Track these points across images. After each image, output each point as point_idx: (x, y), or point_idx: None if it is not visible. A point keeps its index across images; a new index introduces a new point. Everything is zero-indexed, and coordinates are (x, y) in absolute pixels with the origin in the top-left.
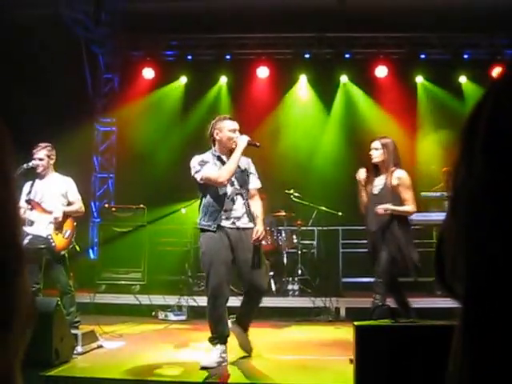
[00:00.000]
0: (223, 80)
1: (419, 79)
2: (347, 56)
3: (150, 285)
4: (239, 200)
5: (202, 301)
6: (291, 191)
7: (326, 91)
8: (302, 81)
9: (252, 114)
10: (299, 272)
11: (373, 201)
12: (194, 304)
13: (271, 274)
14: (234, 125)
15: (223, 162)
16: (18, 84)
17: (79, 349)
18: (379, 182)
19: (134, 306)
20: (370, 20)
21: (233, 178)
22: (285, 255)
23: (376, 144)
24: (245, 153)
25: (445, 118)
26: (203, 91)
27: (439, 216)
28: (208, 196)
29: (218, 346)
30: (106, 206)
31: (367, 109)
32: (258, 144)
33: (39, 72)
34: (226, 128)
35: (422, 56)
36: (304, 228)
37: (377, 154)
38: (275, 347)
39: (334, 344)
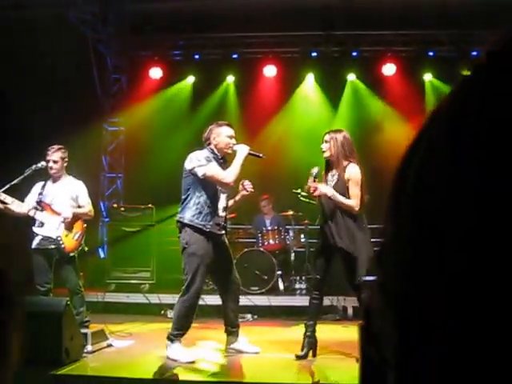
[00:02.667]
0: (230, 79)
1: (427, 77)
2: (354, 54)
3: (159, 284)
4: (225, 209)
5: (211, 299)
6: (299, 190)
7: (333, 89)
8: (309, 79)
9: (259, 112)
10: (307, 271)
11: (325, 197)
12: (202, 303)
13: (279, 273)
14: (232, 131)
15: (221, 165)
16: (26, 84)
17: (89, 348)
18: (331, 178)
19: (143, 304)
20: (378, 17)
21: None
22: (292, 254)
23: (325, 137)
24: (233, 157)
25: None
26: (210, 90)
27: None
28: (206, 195)
29: (178, 343)
30: (115, 205)
31: (375, 107)
32: (260, 155)
33: (47, 73)
34: (224, 134)
35: (430, 53)
36: (312, 227)
37: (325, 148)
38: (283, 346)
39: (341, 343)
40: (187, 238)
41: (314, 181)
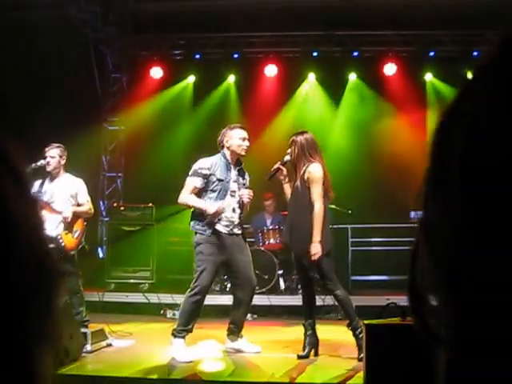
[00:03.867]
0: (231, 79)
1: (428, 77)
2: (355, 54)
3: (158, 283)
4: (238, 210)
5: (211, 299)
6: None
7: (334, 89)
8: (311, 79)
9: (260, 112)
10: None
11: (290, 198)
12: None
13: (280, 272)
14: (244, 133)
15: (229, 170)
16: (25, 84)
17: (88, 347)
18: (296, 181)
19: (142, 304)
20: (379, 17)
21: (236, 189)
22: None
23: (289, 141)
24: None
25: None
26: (211, 90)
27: None
28: (206, 200)
29: (182, 340)
30: (115, 204)
31: (376, 107)
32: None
33: (47, 72)
34: (236, 136)
35: (431, 53)
36: None
37: (288, 152)
38: (283, 345)
39: (343, 342)
40: (195, 239)
41: (283, 165)
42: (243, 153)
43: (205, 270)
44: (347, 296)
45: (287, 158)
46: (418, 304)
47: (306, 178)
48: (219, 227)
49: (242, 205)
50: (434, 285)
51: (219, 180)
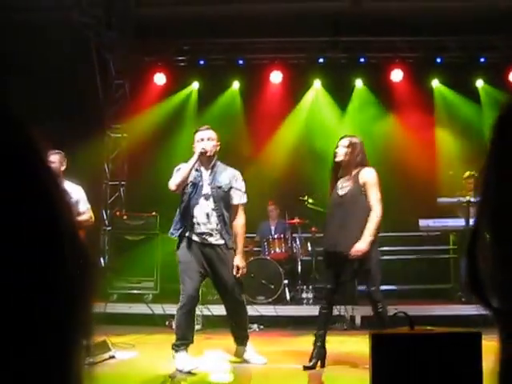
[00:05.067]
0: (236, 85)
1: (435, 83)
2: (362, 60)
3: (162, 294)
4: (214, 216)
5: (217, 310)
6: (305, 198)
7: (340, 96)
8: (316, 86)
9: (265, 119)
10: (314, 280)
11: (337, 202)
12: (208, 313)
13: (285, 282)
14: (201, 134)
15: (199, 172)
16: (26, 89)
17: (90, 359)
18: (343, 185)
19: (146, 315)
20: (385, 23)
21: (209, 193)
22: (299, 263)
23: (344, 142)
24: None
25: (462, 123)
26: (216, 97)
27: (456, 222)
28: (180, 205)
29: (183, 353)
30: (118, 213)
31: (382, 114)
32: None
33: (48, 78)
34: (195, 139)
35: (438, 60)
36: (319, 235)
37: (341, 153)
38: (289, 356)
39: (349, 353)
40: (176, 248)
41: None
42: (202, 151)
43: (185, 278)
44: (386, 311)
45: (340, 158)
46: (479, 283)
47: (361, 182)
48: (192, 236)
49: (219, 210)
50: (497, 265)
51: (191, 183)
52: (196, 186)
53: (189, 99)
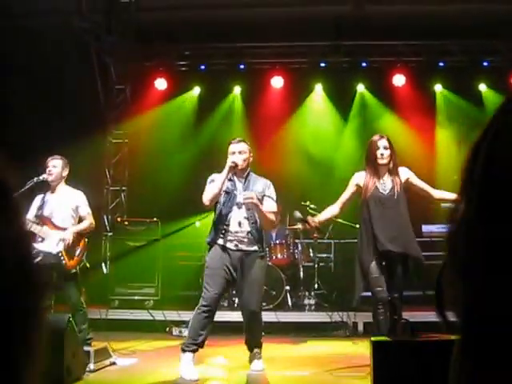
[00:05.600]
0: (237, 90)
1: (438, 87)
2: (364, 65)
3: (163, 300)
4: (246, 224)
5: (217, 316)
6: (307, 203)
7: (342, 101)
8: (318, 90)
9: (267, 124)
10: (316, 286)
11: (384, 202)
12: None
13: (287, 288)
14: (233, 147)
15: (234, 182)
16: (26, 94)
17: (91, 366)
18: (384, 185)
19: (147, 321)
20: (387, 28)
21: (242, 201)
22: (301, 269)
23: (385, 143)
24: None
25: (465, 127)
26: (217, 102)
27: None
28: (215, 214)
29: (189, 355)
30: (119, 219)
31: (385, 118)
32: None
33: (49, 83)
34: (228, 151)
35: (441, 64)
36: (320, 241)
37: (387, 154)
38: (292, 363)
39: (351, 360)
40: (207, 253)
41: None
42: (233, 164)
43: (209, 283)
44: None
45: (386, 161)
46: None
47: (404, 180)
48: (225, 243)
49: (253, 217)
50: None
51: (225, 192)
52: (229, 195)
53: (190, 104)
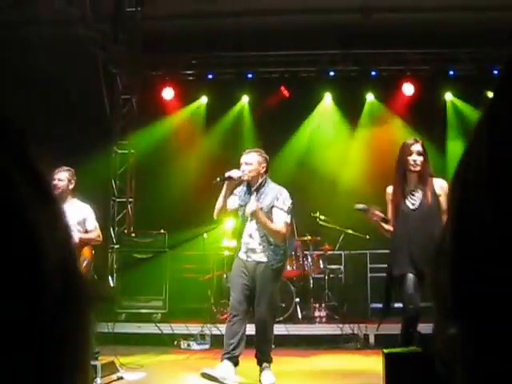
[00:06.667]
0: (245, 99)
1: (448, 96)
2: (373, 73)
3: (171, 313)
4: (256, 236)
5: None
6: (317, 214)
7: (351, 110)
8: (327, 99)
9: (275, 134)
10: (326, 298)
11: (416, 213)
12: (218, 332)
13: (297, 300)
14: (243, 158)
15: (248, 194)
16: (31, 105)
17: (98, 381)
18: (415, 196)
19: (155, 335)
20: (396, 36)
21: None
22: (311, 281)
23: (419, 147)
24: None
25: None
26: (224, 111)
27: None
28: (238, 229)
29: (226, 363)
30: (126, 231)
31: (394, 128)
32: (224, 177)
33: (54, 93)
34: (241, 162)
35: (451, 72)
36: (331, 252)
37: (420, 161)
38: (303, 376)
39: (362, 373)
40: None
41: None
42: (245, 178)
43: (231, 293)
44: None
45: (418, 168)
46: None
47: (438, 192)
48: (240, 254)
49: (262, 229)
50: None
51: (241, 206)
52: (243, 207)
53: (197, 114)
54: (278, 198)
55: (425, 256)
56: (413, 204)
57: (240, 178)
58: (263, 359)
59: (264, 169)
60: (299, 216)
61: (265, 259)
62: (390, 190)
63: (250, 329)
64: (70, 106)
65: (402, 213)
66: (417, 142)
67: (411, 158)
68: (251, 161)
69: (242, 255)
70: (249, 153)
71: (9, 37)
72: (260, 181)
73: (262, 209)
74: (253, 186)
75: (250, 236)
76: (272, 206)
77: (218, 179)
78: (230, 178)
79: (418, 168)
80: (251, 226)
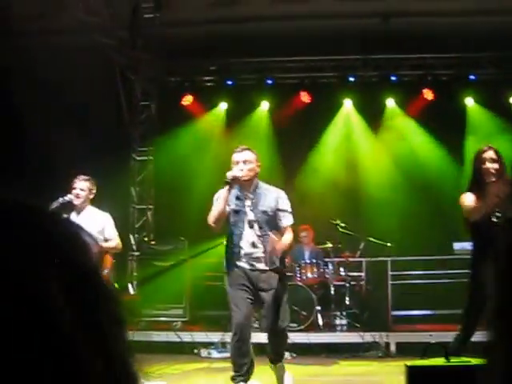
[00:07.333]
0: (265, 106)
1: (469, 101)
2: (393, 78)
3: (192, 321)
4: (260, 244)
5: None
6: (337, 221)
7: (372, 115)
8: (347, 105)
9: (296, 140)
10: (347, 305)
11: (492, 233)
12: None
13: (318, 308)
14: (237, 156)
15: (242, 198)
16: (50, 113)
17: None
18: (499, 209)
19: (175, 343)
20: (416, 40)
21: (253, 219)
22: (332, 288)
23: (492, 154)
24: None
25: (497, 142)
26: (244, 118)
27: None
28: (227, 236)
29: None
30: (145, 239)
31: (415, 133)
32: (228, 179)
33: (73, 100)
34: (232, 161)
35: (472, 77)
36: (352, 259)
37: (494, 168)
38: None
39: (383, 382)
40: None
41: None
42: (245, 178)
43: (233, 307)
44: None
45: (492, 178)
46: None
47: None
48: (240, 263)
49: (266, 236)
50: None
51: (234, 211)
52: (239, 213)
53: (217, 120)
54: (280, 200)
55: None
56: (492, 219)
57: (241, 178)
58: (280, 359)
59: (259, 168)
60: (319, 223)
61: (272, 266)
62: (466, 197)
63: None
64: (89, 113)
65: (487, 225)
66: (490, 148)
67: (485, 167)
68: (250, 159)
69: (243, 264)
70: (243, 150)
71: (30, 46)
72: (256, 182)
73: (264, 212)
74: (247, 188)
75: (253, 245)
76: (276, 209)
77: (226, 183)
78: (236, 179)
79: (493, 178)
80: (251, 235)
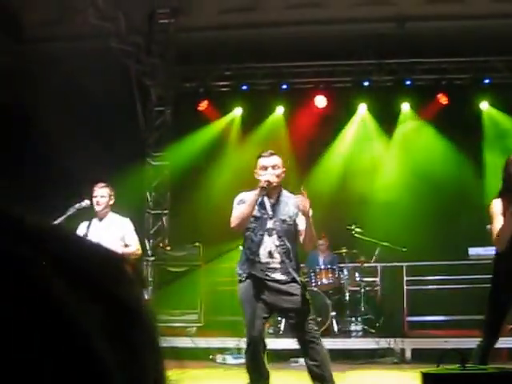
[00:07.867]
0: (280, 110)
1: (484, 106)
2: (408, 83)
3: (207, 327)
4: (277, 253)
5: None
6: (352, 227)
7: (386, 120)
8: (362, 110)
9: (311, 145)
10: (362, 311)
11: None
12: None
13: (333, 314)
14: (265, 161)
15: (264, 205)
16: (65, 119)
17: None
18: None
19: (189, 349)
20: (430, 45)
21: (272, 227)
22: (347, 294)
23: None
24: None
25: None
26: (259, 123)
27: None
28: (244, 242)
29: None
30: (161, 244)
31: (430, 138)
32: (264, 185)
33: (88, 106)
34: (258, 166)
35: (487, 81)
36: (367, 265)
37: None
38: None
39: None
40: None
41: None
42: (275, 184)
43: (247, 319)
44: None
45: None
46: None
47: None
48: (255, 272)
49: (284, 246)
50: None
51: (254, 217)
52: (259, 220)
53: (232, 125)
54: (299, 206)
55: None
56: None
57: (273, 183)
58: (327, 379)
59: (284, 173)
60: (335, 228)
61: (291, 277)
62: (495, 204)
63: (283, 344)
64: (104, 118)
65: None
66: None
67: None
68: (278, 164)
69: (259, 274)
70: (271, 155)
71: (41, 50)
72: (279, 188)
73: (284, 221)
74: (271, 194)
75: (270, 254)
76: (296, 217)
77: (263, 189)
78: (270, 184)
79: None
80: (270, 243)
